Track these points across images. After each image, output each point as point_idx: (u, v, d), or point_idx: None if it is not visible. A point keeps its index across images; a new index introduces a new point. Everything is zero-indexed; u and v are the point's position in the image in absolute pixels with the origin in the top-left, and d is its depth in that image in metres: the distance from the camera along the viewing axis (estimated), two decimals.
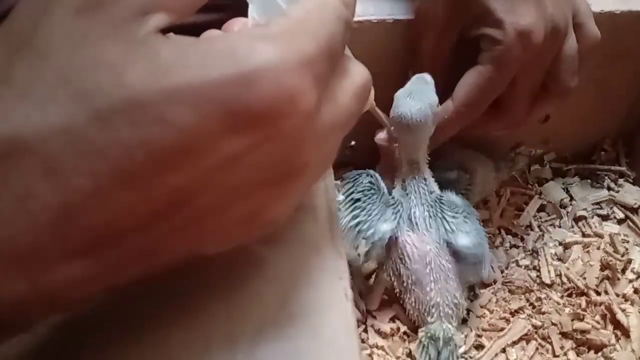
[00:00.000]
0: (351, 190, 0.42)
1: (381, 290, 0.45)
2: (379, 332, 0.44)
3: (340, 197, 0.42)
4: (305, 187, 0.23)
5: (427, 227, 0.42)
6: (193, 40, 0.19)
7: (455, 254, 0.41)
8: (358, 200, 0.42)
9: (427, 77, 0.41)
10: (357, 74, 0.24)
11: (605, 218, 0.54)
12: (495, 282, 0.48)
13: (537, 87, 0.43)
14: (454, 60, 0.43)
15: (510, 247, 0.52)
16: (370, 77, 0.25)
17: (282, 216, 0.23)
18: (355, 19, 0.43)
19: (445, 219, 0.42)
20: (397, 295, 0.43)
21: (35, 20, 0.18)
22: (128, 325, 0.24)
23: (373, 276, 0.46)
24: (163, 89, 0.17)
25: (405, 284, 0.42)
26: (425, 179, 0.43)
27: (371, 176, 0.43)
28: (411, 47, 0.45)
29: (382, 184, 0.43)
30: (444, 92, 0.42)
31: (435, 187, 0.44)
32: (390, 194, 0.44)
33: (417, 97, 0.40)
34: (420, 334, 0.41)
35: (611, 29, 0.47)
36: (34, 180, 0.17)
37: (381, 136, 0.44)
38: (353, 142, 0.52)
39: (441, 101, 0.42)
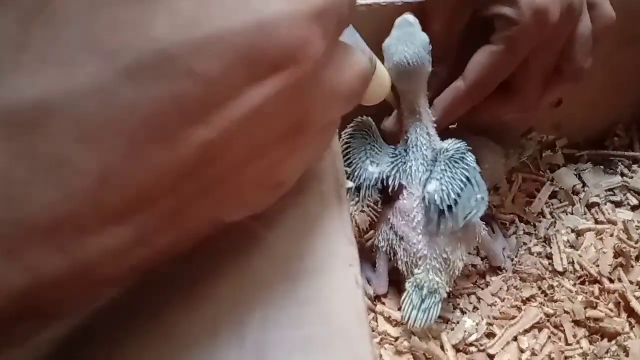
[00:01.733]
0: (346, 134, 0.43)
1: (385, 270, 0.45)
2: (389, 320, 0.44)
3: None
4: (311, 150, 0.24)
5: (420, 182, 0.41)
6: None
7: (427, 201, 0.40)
8: (347, 144, 0.42)
9: (410, 17, 0.40)
10: (359, 58, 0.24)
11: (618, 205, 0.54)
12: (505, 269, 0.47)
13: (550, 68, 0.42)
14: (465, 40, 0.42)
15: (523, 234, 0.51)
16: (372, 71, 0.26)
17: (291, 178, 0.24)
18: (364, 2, 0.43)
19: (431, 170, 0.41)
20: (391, 257, 0.43)
21: None
22: (134, 313, 0.24)
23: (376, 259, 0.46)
24: (190, 40, 0.17)
25: (393, 243, 0.42)
26: (428, 134, 0.42)
27: (361, 122, 0.43)
28: (423, 28, 0.44)
29: (377, 131, 0.43)
30: (455, 72, 0.42)
31: (438, 143, 0.43)
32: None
33: (408, 41, 0.39)
34: (407, 284, 0.41)
35: (624, 14, 0.46)
36: (66, 145, 0.16)
37: (390, 125, 0.44)
38: None
39: (452, 81, 0.42)
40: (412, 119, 0.42)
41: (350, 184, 0.40)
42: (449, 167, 0.40)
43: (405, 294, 0.41)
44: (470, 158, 0.41)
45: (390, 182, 0.42)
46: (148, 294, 0.24)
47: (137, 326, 0.23)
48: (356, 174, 0.42)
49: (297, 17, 0.19)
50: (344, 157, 0.42)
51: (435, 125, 0.43)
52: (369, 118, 0.44)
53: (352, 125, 0.43)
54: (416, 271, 0.41)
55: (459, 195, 0.39)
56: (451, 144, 0.42)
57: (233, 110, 0.18)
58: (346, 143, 0.42)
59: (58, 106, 0.16)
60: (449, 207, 0.39)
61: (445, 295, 0.41)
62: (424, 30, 0.42)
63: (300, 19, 0.19)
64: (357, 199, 0.43)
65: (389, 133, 0.45)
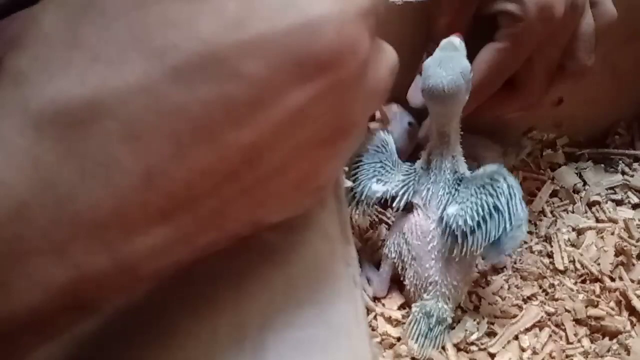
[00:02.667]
0: (358, 150, 0.42)
1: (388, 275, 0.45)
2: (389, 320, 0.44)
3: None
4: (349, 151, 0.24)
5: (438, 206, 0.40)
6: None
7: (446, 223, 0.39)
8: (360, 157, 0.42)
9: (456, 41, 0.39)
10: (390, 52, 0.24)
11: (619, 203, 0.53)
12: (506, 268, 0.47)
13: (554, 65, 0.42)
14: (469, 37, 0.42)
15: None
16: (398, 64, 0.25)
17: (329, 181, 0.24)
18: None
19: (451, 194, 0.40)
20: (399, 271, 0.43)
21: None
22: (134, 313, 0.24)
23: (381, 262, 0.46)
24: (236, 41, 0.17)
25: (405, 259, 0.41)
26: (454, 157, 0.41)
27: (382, 139, 0.42)
28: (424, 27, 0.43)
29: (393, 147, 0.42)
30: None
31: (462, 167, 0.42)
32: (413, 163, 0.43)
33: (448, 66, 0.37)
34: (414, 308, 0.41)
35: (625, 10, 0.46)
36: (113, 145, 0.16)
37: (374, 125, 0.44)
38: None
39: None
40: (440, 141, 0.41)
41: (349, 183, 0.40)
42: (476, 192, 0.39)
43: (412, 319, 0.41)
44: (505, 184, 0.39)
45: (395, 202, 0.41)
46: (148, 294, 0.24)
47: (136, 326, 0.23)
48: (358, 189, 0.41)
49: (344, 17, 0.19)
50: (353, 169, 0.41)
51: (462, 149, 0.42)
52: (387, 133, 0.43)
53: (369, 138, 0.42)
54: (425, 296, 0.41)
55: (482, 222, 0.38)
56: (487, 169, 0.41)
57: (278, 111, 0.18)
58: (358, 156, 0.42)
59: (106, 106, 0.16)
60: (465, 232, 0.38)
61: (451, 321, 0.41)
62: (428, 28, 0.42)
63: (348, 19, 0.19)
64: (355, 211, 0.42)
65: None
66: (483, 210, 0.38)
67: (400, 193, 0.41)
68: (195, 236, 0.19)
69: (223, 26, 0.17)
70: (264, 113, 0.18)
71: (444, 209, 0.40)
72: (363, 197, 0.41)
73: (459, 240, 0.38)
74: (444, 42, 0.39)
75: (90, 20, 0.17)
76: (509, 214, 0.38)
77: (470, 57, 0.41)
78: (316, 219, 0.28)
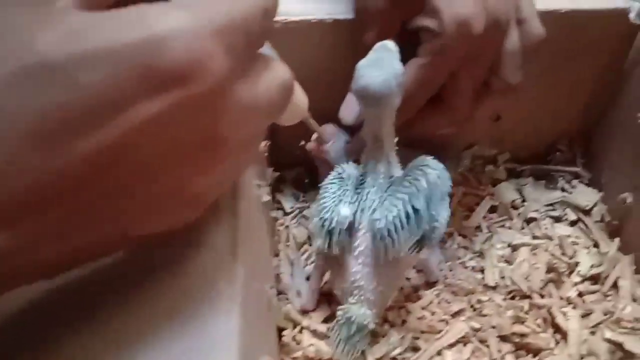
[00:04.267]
0: (327, 181, 0.41)
1: (317, 287, 0.45)
2: (314, 333, 0.44)
3: None
4: (231, 168, 0.25)
5: (369, 212, 0.40)
6: (105, 11, 0.19)
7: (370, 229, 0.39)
8: (326, 190, 0.41)
9: (389, 44, 0.39)
10: (281, 71, 0.25)
11: (558, 219, 0.54)
12: (437, 282, 0.48)
13: (478, 82, 0.42)
14: (403, 53, 0.41)
15: (459, 248, 0.51)
16: (293, 81, 0.26)
17: (208, 193, 0.24)
18: (294, 18, 0.44)
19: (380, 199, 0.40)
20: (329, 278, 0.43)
21: None
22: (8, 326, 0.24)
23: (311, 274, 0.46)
24: (74, 53, 0.17)
25: (334, 266, 0.42)
26: (389, 162, 0.41)
27: (341, 170, 0.42)
28: (352, 44, 0.44)
29: (351, 172, 0.41)
30: None
31: (397, 172, 0.41)
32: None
33: (380, 67, 0.37)
34: (338, 312, 0.40)
35: (560, 28, 0.47)
36: None
37: (311, 145, 0.44)
38: (302, 142, 0.51)
39: None
40: (373, 146, 0.40)
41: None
42: (398, 193, 0.39)
43: (335, 324, 0.41)
44: (424, 182, 0.38)
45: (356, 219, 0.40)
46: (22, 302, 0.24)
47: (12, 338, 0.24)
48: (327, 217, 0.39)
49: (194, 34, 0.19)
50: (318, 206, 0.40)
51: (396, 152, 0.41)
52: (347, 164, 0.42)
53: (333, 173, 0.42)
54: (350, 299, 0.41)
55: (401, 225, 0.38)
56: (410, 166, 0.41)
57: (122, 123, 0.19)
58: (325, 190, 0.41)
59: None
60: (386, 235, 0.38)
61: (373, 326, 0.41)
62: (354, 45, 0.42)
63: (198, 36, 0.19)
64: (327, 245, 0.40)
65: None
66: (402, 212, 0.38)
67: (357, 207, 0.40)
68: (41, 245, 0.19)
69: (62, 38, 0.18)
70: (107, 123, 0.18)
71: (372, 213, 0.40)
72: (334, 224, 0.39)
73: (383, 244, 0.38)
74: (377, 45, 0.39)
75: None
76: (429, 215, 0.38)
77: None
78: (208, 235, 0.29)
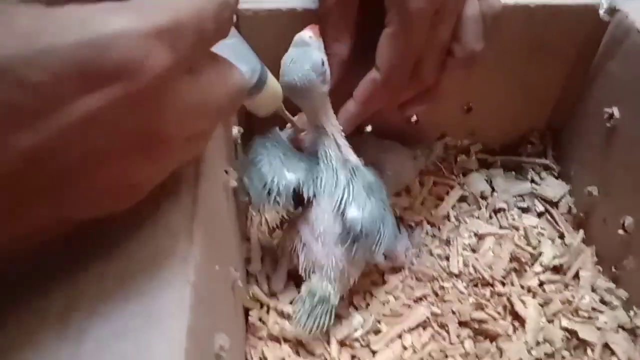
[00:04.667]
0: (254, 153, 0.43)
1: (284, 270, 0.46)
2: (280, 314, 0.45)
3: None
4: (174, 159, 0.26)
5: (328, 194, 0.42)
6: (48, 8, 0.20)
7: (346, 225, 0.41)
8: (259, 154, 0.42)
9: (305, 36, 0.39)
10: (234, 75, 0.26)
11: (525, 210, 0.55)
12: (403, 269, 0.49)
13: (443, 48, 0.41)
14: (366, 27, 0.42)
15: (427, 236, 0.52)
16: (246, 86, 0.27)
17: (148, 184, 0.25)
18: (265, 6, 0.45)
19: (348, 189, 0.41)
20: (294, 255, 0.44)
21: None
22: None
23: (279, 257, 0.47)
24: (21, 53, 0.19)
25: (297, 246, 0.43)
26: (338, 145, 0.42)
27: (270, 135, 0.44)
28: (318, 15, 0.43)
29: (284, 139, 0.44)
30: (361, 60, 0.41)
31: (351, 156, 0.43)
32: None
33: (299, 61, 0.38)
34: (302, 287, 0.42)
35: (528, 22, 0.48)
36: None
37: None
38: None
39: (357, 69, 0.42)
40: (317, 133, 0.42)
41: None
42: (371, 197, 0.41)
43: (297, 298, 0.43)
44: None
45: (304, 190, 0.42)
46: None
47: None
48: (275, 182, 0.41)
49: (134, 34, 0.20)
50: (256, 166, 0.42)
51: (343, 134, 0.43)
52: (277, 128, 0.44)
53: (261, 136, 0.43)
54: (313, 277, 0.42)
55: (381, 223, 0.41)
56: (367, 172, 0.43)
57: (62, 118, 0.20)
58: (258, 153, 0.42)
59: None
60: (367, 234, 0.40)
61: (336, 303, 0.42)
62: (319, 6, 0.43)
63: (138, 36, 0.20)
64: (277, 206, 0.42)
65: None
66: (378, 213, 0.40)
67: (309, 181, 0.42)
68: None
69: (11, 38, 0.19)
70: (48, 119, 0.19)
71: (344, 205, 0.41)
72: (281, 189, 0.41)
73: (361, 243, 0.40)
74: (295, 38, 0.39)
75: None
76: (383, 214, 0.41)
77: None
78: (165, 217, 0.30)
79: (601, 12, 0.48)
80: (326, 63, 0.39)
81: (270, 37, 0.44)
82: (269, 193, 0.41)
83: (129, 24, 0.20)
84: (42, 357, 0.24)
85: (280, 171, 0.42)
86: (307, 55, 0.39)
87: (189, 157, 0.28)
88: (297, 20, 0.44)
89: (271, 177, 0.41)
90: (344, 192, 0.41)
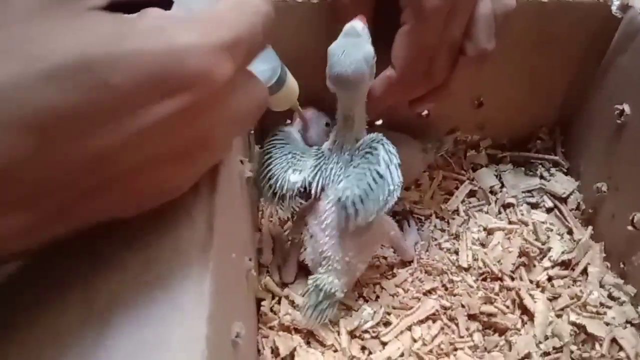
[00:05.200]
0: (264, 149, 0.43)
1: (295, 261, 0.47)
2: (292, 304, 0.46)
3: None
4: (208, 164, 0.28)
5: (334, 185, 0.42)
6: (130, 17, 0.22)
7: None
8: (268, 155, 0.43)
9: (358, 27, 0.39)
10: (260, 89, 0.29)
11: (534, 206, 0.56)
12: (412, 262, 0.49)
13: (455, 47, 0.42)
14: (383, 24, 0.42)
15: (436, 230, 0.53)
16: (268, 98, 0.30)
17: (186, 185, 0.27)
18: None
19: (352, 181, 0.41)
20: (302, 247, 0.44)
21: None
22: None
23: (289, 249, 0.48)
24: (109, 55, 0.20)
25: (305, 238, 0.44)
26: (357, 139, 0.42)
27: (281, 131, 0.44)
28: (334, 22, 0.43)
29: (295, 136, 0.44)
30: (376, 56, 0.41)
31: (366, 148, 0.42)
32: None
33: (351, 53, 0.38)
34: (309, 281, 0.43)
35: (538, 17, 0.48)
36: None
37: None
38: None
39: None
40: (344, 124, 0.42)
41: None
42: (360, 163, 0.41)
43: (305, 291, 0.43)
44: (383, 151, 0.40)
45: (313, 188, 0.42)
46: None
47: None
48: (278, 184, 0.42)
49: (206, 48, 0.22)
50: (266, 167, 0.42)
51: (365, 131, 0.43)
52: (288, 126, 0.45)
53: (271, 134, 0.44)
54: (319, 269, 0.43)
55: (369, 190, 0.39)
56: (366, 139, 0.42)
57: (135, 121, 0.21)
58: (267, 153, 0.43)
59: None
60: (354, 202, 0.39)
61: (342, 296, 0.43)
62: (334, 4, 0.43)
63: (209, 50, 0.22)
64: (282, 208, 0.43)
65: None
66: (367, 178, 0.39)
67: (316, 179, 0.42)
68: (52, 222, 0.22)
69: (98, 40, 0.20)
70: (127, 120, 0.21)
71: (337, 185, 0.42)
72: (284, 191, 0.42)
73: (351, 211, 0.39)
74: (346, 27, 0.39)
75: None
76: (391, 179, 0.39)
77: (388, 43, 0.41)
78: (185, 207, 0.30)
79: (613, 8, 0.48)
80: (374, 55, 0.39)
81: (285, 29, 0.45)
82: (274, 195, 0.42)
83: (200, 37, 0.22)
84: (66, 342, 0.24)
85: (286, 173, 0.42)
86: (360, 46, 0.38)
87: (218, 160, 0.30)
88: (313, 11, 0.44)
89: (275, 180, 0.42)
90: (341, 175, 0.42)
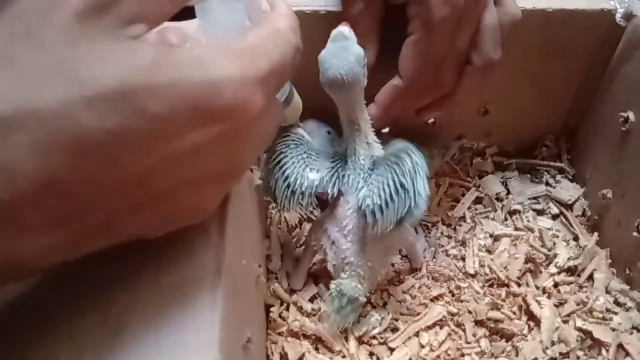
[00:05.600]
0: (275, 149, 0.43)
1: (306, 268, 0.47)
2: (300, 310, 0.46)
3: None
4: (233, 185, 0.29)
5: (356, 191, 0.42)
6: (168, 47, 0.23)
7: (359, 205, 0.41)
8: (283, 154, 0.43)
9: (345, 30, 0.39)
10: (278, 109, 0.30)
11: (540, 213, 0.56)
12: (420, 269, 0.50)
13: (461, 56, 0.42)
14: (390, 34, 0.42)
15: (442, 237, 0.53)
16: (283, 115, 0.33)
17: (214, 206, 0.28)
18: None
19: (371, 187, 0.41)
20: (322, 256, 0.45)
21: (40, 17, 0.21)
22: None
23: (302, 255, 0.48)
24: (147, 83, 0.21)
25: (325, 244, 0.44)
26: (367, 143, 0.42)
27: (294, 132, 0.44)
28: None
29: (308, 138, 0.44)
30: (383, 65, 0.42)
31: (378, 152, 0.43)
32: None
33: (342, 56, 0.38)
34: (332, 286, 0.43)
35: (544, 26, 0.48)
36: (23, 155, 0.19)
37: None
38: None
39: (380, 74, 0.42)
40: (350, 129, 0.42)
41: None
42: (384, 171, 0.41)
43: (328, 295, 0.43)
44: (410, 162, 0.40)
45: (329, 188, 0.42)
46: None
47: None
48: (297, 182, 0.42)
49: (242, 80, 0.23)
50: (280, 167, 0.42)
51: (374, 131, 0.43)
52: (299, 129, 0.45)
53: (284, 136, 0.44)
54: (342, 275, 0.43)
55: (390, 201, 0.39)
56: (394, 147, 0.42)
57: (175, 147, 0.22)
58: (281, 153, 0.43)
59: (23, 122, 0.19)
60: (374, 211, 0.40)
61: (364, 301, 0.44)
62: (342, 15, 0.43)
63: (245, 82, 0.24)
64: (300, 206, 0.43)
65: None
66: (390, 188, 0.40)
67: (333, 180, 0.43)
68: (83, 242, 0.23)
69: (139, 68, 0.21)
70: (162, 147, 0.22)
71: (359, 192, 0.42)
72: (304, 189, 0.42)
73: (370, 220, 0.40)
74: (333, 33, 0.39)
75: (27, 47, 0.20)
76: (414, 191, 0.39)
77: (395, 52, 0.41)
78: None
79: (618, 17, 0.48)
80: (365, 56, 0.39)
81: None
82: (292, 193, 0.42)
83: (237, 70, 0.23)
84: (83, 345, 0.25)
85: (303, 171, 0.43)
86: (350, 49, 0.39)
87: (241, 179, 0.31)
88: (320, 22, 0.45)
89: (294, 178, 0.42)
90: (362, 181, 0.42)
